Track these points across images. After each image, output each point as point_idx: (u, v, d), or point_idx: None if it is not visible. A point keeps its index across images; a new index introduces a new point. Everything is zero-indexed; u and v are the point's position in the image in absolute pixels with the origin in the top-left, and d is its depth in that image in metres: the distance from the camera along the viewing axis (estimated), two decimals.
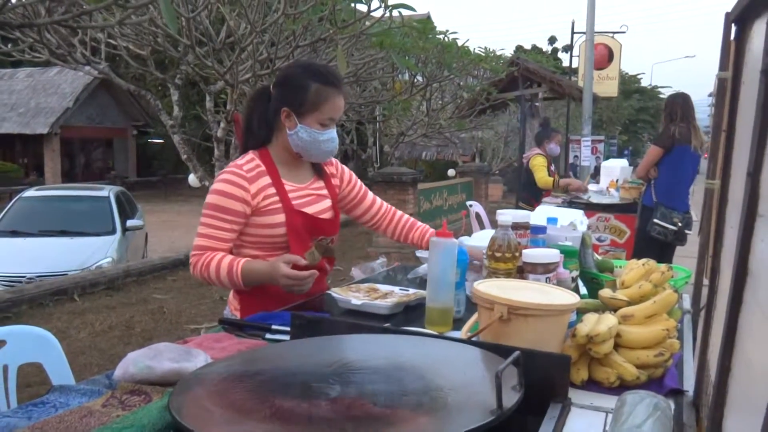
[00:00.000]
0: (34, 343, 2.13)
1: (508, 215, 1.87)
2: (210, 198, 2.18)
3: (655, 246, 5.71)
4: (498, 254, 1.83)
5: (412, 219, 2.67)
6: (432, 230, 2.58)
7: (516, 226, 1.97)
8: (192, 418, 1.08)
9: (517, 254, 1.85)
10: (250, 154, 2.24)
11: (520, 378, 1.17)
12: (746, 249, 0.99)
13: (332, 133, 2.24)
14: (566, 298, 1.54)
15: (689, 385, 1.54)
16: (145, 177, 27.44)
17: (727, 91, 2.18)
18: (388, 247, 10.59)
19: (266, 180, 2.21)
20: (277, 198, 2.21)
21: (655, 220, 5.67)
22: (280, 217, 2.21)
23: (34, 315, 6.71)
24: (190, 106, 13.30)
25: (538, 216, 2.37)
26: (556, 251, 1.85)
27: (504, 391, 1.08)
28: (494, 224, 3.20)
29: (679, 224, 5.63)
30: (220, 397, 1.19)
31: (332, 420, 1.07)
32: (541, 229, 2.06)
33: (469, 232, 2.68)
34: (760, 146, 0.97)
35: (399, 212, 2.69)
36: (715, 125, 2.31)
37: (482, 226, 3.45)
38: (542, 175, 7.27)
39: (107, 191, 10.11)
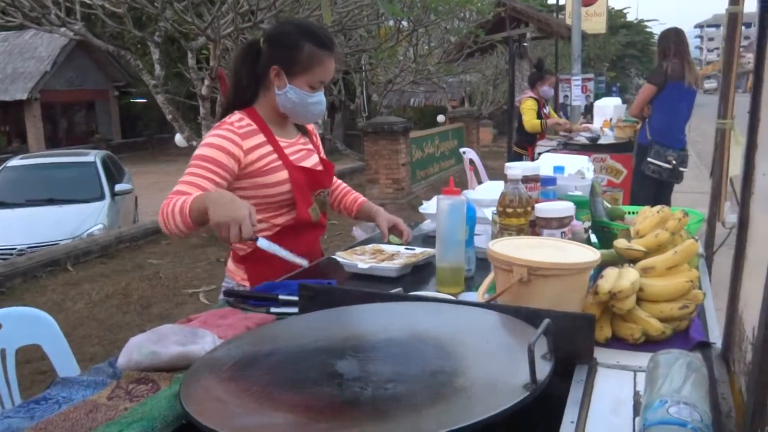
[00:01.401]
0: (30, 324, 2.07)
1: (517, 168, 1.79)
2: (199, 150, 2.07)
3: (652, 185, 5.66)
4: (509, 210, 1.76)
5: (347, 187, 2.64)
6: (363, 199, 2.58)
7: (525, 179, 1.89)
8: (206, 412, 1.01)
9: (529, 208, 1.77)
10: (238, 114, 2.15)
11: (549, 346, 1.11)
12: None
13: (321, 96, 2.18)
14: (586, 254, 1.47)
15: (715, 336, 1.49)
16: (131, 138, 27.03)
17: (737, 27, 2.09)
18: (382, 198, 10.53)
19: (260, 138, 2.14)
20: (275, 156, 2.16)
21: (650, 159, 5.61)
22: (283, 174, 2.15)
23: (29, 288, 6.63)
24: (171, 64, 13.04)
25: (543, 165, 2.29)
26: (570, 204, 1.78)
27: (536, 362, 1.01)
28: (488, 169, 3.13)
29: (674, 162, 5.56)
30: (233, 385, 1.12)
31: (358, 405, 1.01)
32: (551, 181, 1.98)
33: (462, 178, 2.60)
34: None
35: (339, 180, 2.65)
36: (726, 62, 2.24)
37: (476, 172, 3.38)
38: (529, 118, 7.20)
39: (93, 156, 9.95)
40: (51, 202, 8.81)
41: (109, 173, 9.69)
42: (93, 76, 25.48)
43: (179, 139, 9.91)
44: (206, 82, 8.38)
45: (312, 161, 2.31)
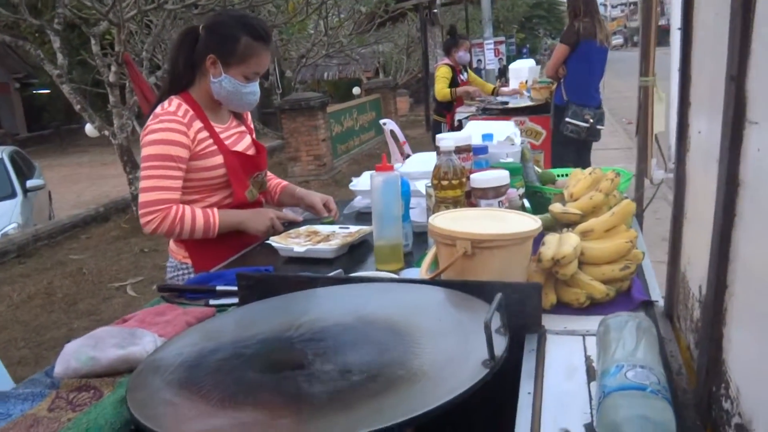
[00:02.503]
0: None
1: (449, 140, 1.77)
2: (153, 148, 2.09)
3: (571, 144, 5.77)
4: (444, 182, 1.74)
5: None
6: (285, 183, 2.64)
7: (458, 150, 1.88)
8: (157, 417, 0.96)
9: (464, 179, 1.76)
10: (176, 99, 2.17)
11: (503, 320, 1.10)
12: (735, 158, 0.92)
13: (255, 86, 2.23)
14: (528, 223, 1.46)
15: (656, 294, 1.52)
16: (37, 131, 25.82)
17: None
18: (305, 175, 10.45)
19: (198, 124, 2.17)
20: (211, 141, 2.19)
21: (567, 119, 5.70)
22: (218, 159, 2.19)
23: None
24: (73, 51, 12.50)
25: (471, 134, 2.28)
26: (505, 172, 1.77)
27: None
28: (407, 138, 3.12)
29: (591, 120, 5.68)
30: (182, 387, 1.07)
31: (315, 398, 0.97)
32: (482, 150, 1.97)
33: (384, 150, 2.59)
34: (743, 47, 0.89)
35: None
36: (644, 19, 2.27)
37: (398, 143, 3.35)
38: (441, 87, 7.23)
39: (0, 152, 9.49)
40: None
41: (18, 169, 9.27)
42: None
43: (90, 129, 9.54)
44: (113, 68, 8.08)
45: (245, 144, 2.33)
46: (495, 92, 7.54)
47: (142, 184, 2.10)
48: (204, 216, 2.14)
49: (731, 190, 0.93)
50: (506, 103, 6.81)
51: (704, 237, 1.00)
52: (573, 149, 5.75)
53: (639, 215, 2.20)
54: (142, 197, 2.09)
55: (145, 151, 2.10)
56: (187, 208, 2.13)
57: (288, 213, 2.44)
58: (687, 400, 1.06)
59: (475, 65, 14.96)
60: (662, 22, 3.81)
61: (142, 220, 2.10)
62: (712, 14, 1.07)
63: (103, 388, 1.21)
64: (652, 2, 2.04)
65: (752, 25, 0.85)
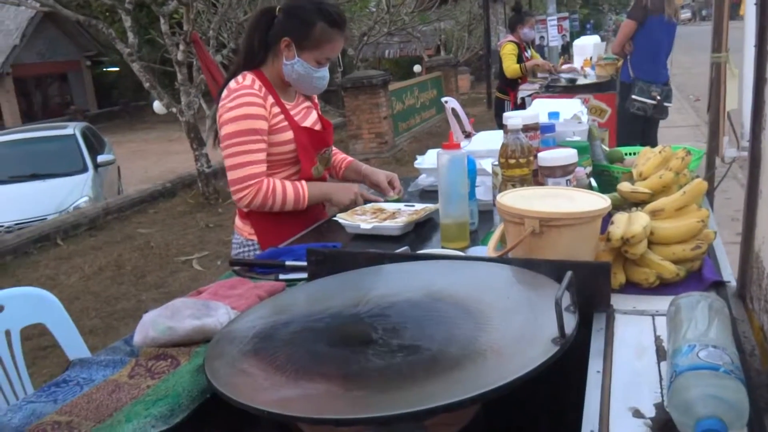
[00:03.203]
0: (32, 303, 2.05)
1: (517, 118, 1.77)
2: (236, 125, 2.15)
3: (638, 122, 5.65)
4: (512, 161, 1.74)
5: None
6: (351, 159, 2.66)
7: (525, 128, 1.87)
8: (235, 386, 1.00)
9: (531, 158, 1.75)
10: (249, 75, 2.21)
11: (572, 297, 1.10)
12: None
13: (325, 71, 2.27)
14: (596, 202, 1.45)
15: (728, 274, 1.49)
16: (107, 108, 26.55)
17: None
18: (366, 153, 10.49)
19: (271, 99, 2.22)
20: (282, 116, 2.23)
21: (634, 96, 5.58)
22: (288, 134, 2.23)
23: (20, 265, 6.59)
24: (142, 30, 12.76)
25: (536, 111, 2.26)
26: (573, 150, 1.76)
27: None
28: (469, 116, 3.10)
29: (658, 98, 5.54)
30: (256, 358, 1.11)
31: (388, 371, 1.00)
32: (550, 128, 1.96)
33: (445, 127, 2.59)
34: None
35: None
36: None
37: (459, 122, 3.34)
38: (509, 64, 7.12)
39: (72, 128, 9.80)
40: (34, 177, 8.69)
41: (90, 145, 9.56)
42: (64, 47, 24.88)
43: (158, 106, 9.76)
44: (181, 47, 8.22)
45: (312, 119, 2.38)
46: (523, 71, 7.36)
47: (230, 161, 2.15)
48: (294, 188, 2.20)
49: None
50: (574, 80, 6.68)
51: None
52: (639, 127, 5.63)
53: (710, 194, 2.15)
54: (233, 174, 2.15)
55: (228, 129, 2.14)
56: (278, 181, 2.19)
57: (370, 194, 2.46)
58: (761, 380, 1.05)
59: (538, 42, 14.72)
60: None
61: (236, 196, 2.17)
62: None
63: (180, 357, 1.27)
64: None
65: None
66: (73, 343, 2.04)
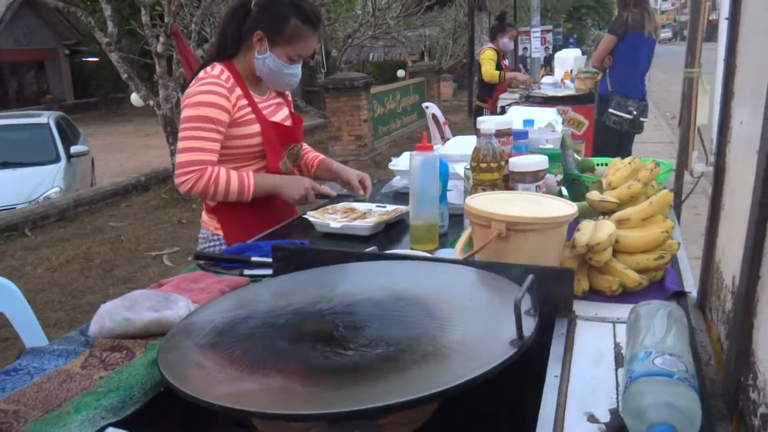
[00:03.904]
0: None
1: (490, 123, 1.77)
2: (194, 110, 2.12)
3: (614, 135, 5.70)
4: (483, 165, 1.73)
5: (306, 146, 2.66)
6: (323, 157, 2.63)
7: (498, 133, 1.87)
8: (187, 379, 0.99)
9: (502, 163, 1.75)
10: (219, 66, 2.20)
11: (534, 302, 1.10)
12: None
13: (297, 68, 2.25)
14: (563, 208, 1.46)
15: (689, 285, 1.50)
16: (84, 99, 26.17)
17: None
18: (345, 155, 10.47)
19: (239, 91, 2.20)
20: (249, 109, 2.21)
21: (611, 110, 5.64)
22: (255, 128, 2.21)
23: None
24: (123, 21, 12.65)
25: (511, 118, 2.27)
26: (544, 157, 1.76)
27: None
28: (449, 123, 3.11)
29: (635, 112, 5.60)
30: (213, 351, 1.09)
31: (344, 368, 0.99)
32: (523, 134, 1.96)
33: (425, 133, 2.60)
34: None
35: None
36: (693, 10, 2.23)
37: (439, 127, 3.35)
38: (488, 68, 7.17)
39: (46, 117, 9.64)
40: (4, 165, 8.55)
41: (64, 135, 9.43)
42: (42, 35, 24.52)
43: (135, 98, 9.67)
44: (161, 39, 8.16)
45: (282, 115, 2.35)
46: (501, 78, 7.38)
47: (181, 144, 2.13)
48: (239, 179, 2.15)
49: None
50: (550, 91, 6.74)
51: (740, 229, 0.99)
52: (615, 140, 5.68)
53: (677, 207, 2.17)
54: (180, 157, 2.12)
55: (186, 113, 2.13)
56: (223, 169, 2.14)
57: (324, 187, 2.45)
58: (715, 390, 1.06)
59: (521, 53, 14.81)
60: (713, 17, 3.73)
61: (178, 180, 2.13)
62: (761, 3, 1.06)
63: (136, 349, 1.25)
64: None
65: None
66: (33, 335, 2.01)
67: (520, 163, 1.73)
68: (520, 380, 1.20)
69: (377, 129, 12.15)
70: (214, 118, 2.11)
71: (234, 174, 2.15)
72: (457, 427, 1.36)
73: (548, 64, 14.62)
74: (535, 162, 1.73)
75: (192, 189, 2.12)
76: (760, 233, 0.93)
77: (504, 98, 6.96)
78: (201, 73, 2.17)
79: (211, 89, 2.12)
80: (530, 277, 1.08)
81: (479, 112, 7.51)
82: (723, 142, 1.31)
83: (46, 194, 8.15)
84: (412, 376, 0.93)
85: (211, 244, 2.28)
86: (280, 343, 1.11)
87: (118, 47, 8.55)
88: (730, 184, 1.25)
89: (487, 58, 7.22)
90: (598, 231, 1.45)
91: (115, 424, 1.02)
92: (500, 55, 7.33)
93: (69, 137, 9.61)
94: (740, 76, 1.23)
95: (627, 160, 1.86)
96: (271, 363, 1.03)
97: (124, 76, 8.52)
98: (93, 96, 26.34)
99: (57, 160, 8.83)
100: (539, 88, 7.09)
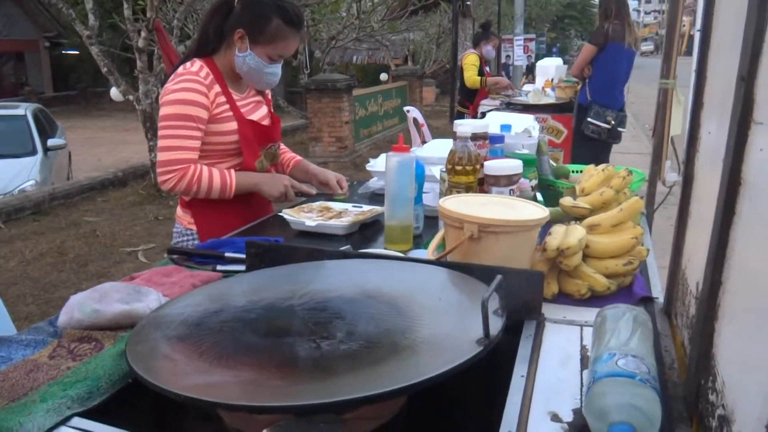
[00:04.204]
0: None
1: (467, 126, 1.79)
2: (173, 108, 2.13)
3: (591, 145, 5.75)
4: (459, 167, 1.75)
5: (283, 146, 2.67)
6: (299, 158, 2.65)
7: (474, 137, 1.89)
8: (154, 370, 0.99)
9: (477, 166, 1.77)
10: (198, 62, 2.20)
11: (501, 302, 1.11)
12: (739, 158, 0.93)
13: (277, 67, 2.26)
14: (535, 212, 1.48)
15: (657, 291, 1.53)
16: (63, 92, 25.89)
17: None
18: (325, 157, 10.47)
19: (218, 88, 2.20)
20: (227, 106, 2.21)
21: (589, 119, 5.69)
22: (232, 125, 2.21)
23: None
24: (105, 14, 12.55)
25: (490, 123, 2.29)
26: (518, 161, 1.78)
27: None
28: (430, 128, 3.13)
29: (613, 122, 5.66)
30: (181, 343, 1.10)
31: (311, 362, 1.00)
32: (499, 139, 1.98)
33: (406, 138, 2.62)
34: (754, 49, 0.90)
35: None
36: (669, 22, 2.27)
37: (420, 131, 3.36)
38: (471, 74, 7.21)
39: (23, 109, 9.54)
40: None
41: (41, 127, 9.33)
42: (22, 26, 24.21)
43: (115, 93, 9.60)
44: (143, 34, 8.12)
45: (260, 114, 2.35)
46: (482, 84, 7.43)
47: (162, 143, 2.13)
48: (221, 176, 2.16)
49: (732, 188, 0.94)
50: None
51: (705, 236, 1.01)
52: (592, 149, 5.73)
53: (649, 216, 2.20)
54: (161, 156, 2.13)
55: (165, 110, 2.13)
56: (205, 168, 2.15)
57: (304, 185, 2.45)
58: (677, 392, 1.08)
59: (503, 60, 14.89)
60: (694, 31, 3.77)
61: (160, 179, 2.14)
62: (732, 15, 1.08)
63: (105, 340, 1.25)
64: (678, 5, 2.03)
65: (766, 26, 0.86)
66: (2, 326, 1.99)
67: (495, 166, 1.75)
68: (489, 381, 1.21)
69: (358, 131, 12.16)
70: (194, 116, 2.12)
71: (216, 172, 2.17)
72: (427, 427, 1.37)
73: (530, 72, 14.71)
74: (510, 166, 1.75)
75: (175, 187, 2.13)
76: (723, 239, 0.95)
77: (485, 104, 7.00)
78: (180, 69, 2.17)
79: (190, 86, 2.12)
80: (498, 277, 1.09)
81: (460, 117, 7.53)
82: (692, 151, 1.34)
83: (21, 187, 8.06)
84: (378, 372, 0.94)
85: (185, 238, 2.28)
86: (250, 337, 1.12)
87: (99, 41, 8.49)
88: (697, 192, 1.28)
89: (469, 63, 7.26)
90: (568, 235, 1.47)
91: (82, 415, 1.03)
92: (482, 61, 7.37)
93: (46, 130, 9.52)
94: (710, 88, 1.26)
95: (600, 167, 1.89)
96: (240, 356, 1.04)
97: (104, 70, 8.46)
98: (72, 89, 26.07)
99: (33, 152, 8.74)
100: (520, 95, 7.14)
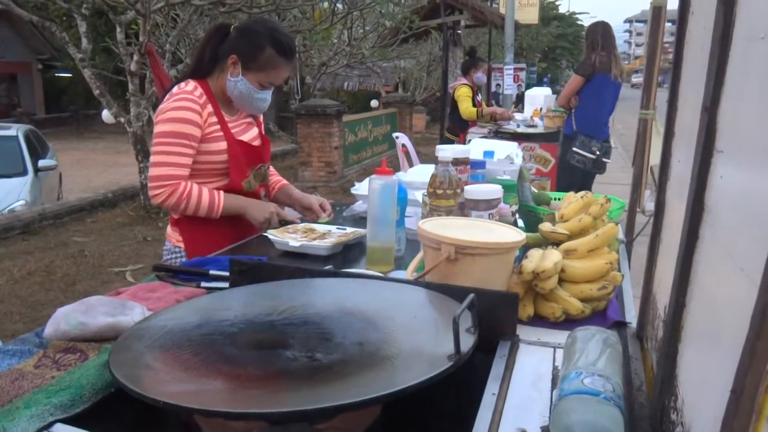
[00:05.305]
0: None
1: (448, 151, 1.83)
2: (168, 125, 2.19)
3: (576, 173, 5.82)
4: (440, 191, 1.80)
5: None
6: (285, 182, 2.72)
7: (456, 162, 1.94)
8: (136, 379, 1.02)
9: (458, 190, 1.82)
10: (193, 82, 2.27)
11: (474, 320, 1.15)
12: (702, 185, 0.97)
13: (267, 94, 2.32)
14: (512, 235, 1.52)
15: (631, 317, 1.56)
16: (55, 113, 25.94)
17: (661, 20, 2.18)
18: (314, 181, 10.52)
19: (210, 108, 2.26)
20: (218, 126, 2.27)
21: (574, 149, 5.76)
22: (222, 145, 2.27)
23: None
24: (98, 37, 12.64)
25: (473, 150, 2.34)
26: (498, 186, 1.83)
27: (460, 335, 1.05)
28: (420, 155, 3.17)
29: (598, 152, 5.74)
30: (163, 354, 1.13)
31: (287, 373, 1.03)
32: (480, 164, 2.03)
33: (395, 164, 2.67)
34: (717, 80, 0.95)
35: None
36: (649, 54, 2.33)
37: (408, 158, 3.41)
38: (467, 106, 7.26)
39: (15, 130, 9.56)
40: None
41: (32, 148, 9.36)
42: (15, 48, 24.28)
43: (106, 115, 9.65)
44: (135, 57, 8.19)
45: (251, 135, 2.41)
46: (479, 115, 7.51)
47: (154, 158, 2.19)
48: (210, 196, 2.22)
49: (696, 214, 0.98)
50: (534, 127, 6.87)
51: (674, 261, 1.05)
52: (577, 178, 5.80)
53: (628, 244, 2.24)
54: (153, 171, 2.19)
55: (160, 128, 2.19)
56: (195, 186, 2.21)
57: (289, 213, 2.49)
58: (643, 413, 1.11)
59: (493, 89, 15.03)
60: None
61: (151, 193, 2.20)
62: (699, 48, 1.13)
63: (89, 351, 1.27)
64: (658, 36, 2.09)
65: (728, 59, 0.91)
66: None
67: (475, 190, 1.80)
68: (464, 399, 1.25)
69: (348, 157, 12.23)
70: (188, 133, 2.18)
71: (205, 191, 2.22)
72: None
73: (520, 101, 14.85)
74: (489, 191, 1.79)
75: (164, 202, 2.20)
76: (686, 263, 1.00)
77: (473, 132, 7.06)
78: (175, 89, 2.24)
79: (185, 105, 2.18)
80: (471, 296, 1.13)
81: (449, 144, 7.59)
82: (664, 179, 1.38)
83: (11, 206, 8.06)
84: (352, 383, 0.97)
85: (173, 255, 2.32)
86: (230, 349, 1.15)
87: (92, 64, 8.56)
88: (668, 219, 1.32)
89: (463, 95, 7.30)
90: (544, 259, 1.51)
91: (65, 421, 1.05)
92: (474, 90, 7.44)
93: (38, 151, 9.55)
94: (680, 118, 1.31)
95: (580, 194, 1.93)
96: (219, 366, 1.07)
97: (97, 92, 8.51)
98: (65, 111, 26.10)
99: (24, 173, 8.75)
100: (509, 125, 7.21)
